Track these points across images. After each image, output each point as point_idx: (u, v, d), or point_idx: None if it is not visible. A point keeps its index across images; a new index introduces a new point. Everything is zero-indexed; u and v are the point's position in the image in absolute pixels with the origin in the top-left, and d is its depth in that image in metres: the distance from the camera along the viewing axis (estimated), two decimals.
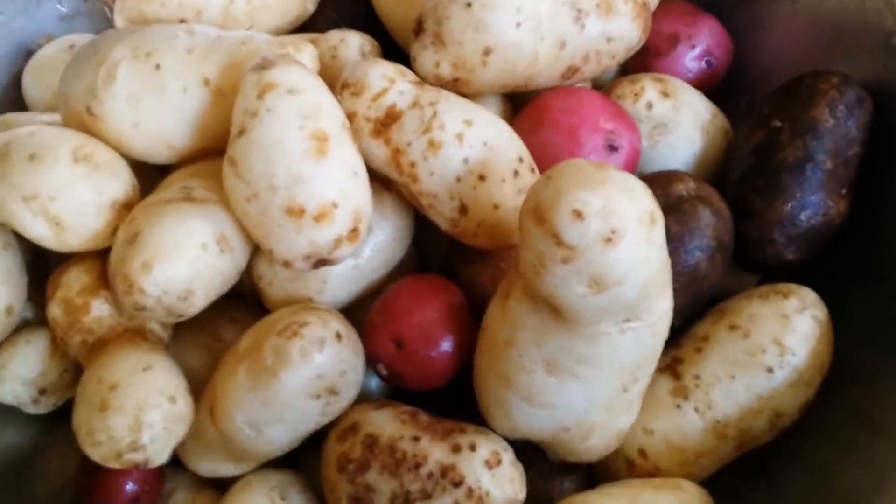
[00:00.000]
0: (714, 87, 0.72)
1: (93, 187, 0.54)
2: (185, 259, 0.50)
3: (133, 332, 0.56)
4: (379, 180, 0.57)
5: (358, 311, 0.59)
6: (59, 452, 0.61)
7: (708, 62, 0.71)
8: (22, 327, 0.60)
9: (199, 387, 0.58)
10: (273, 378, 0.50)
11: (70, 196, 0.53)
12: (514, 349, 0.48)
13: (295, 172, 0.49)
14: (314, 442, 0.56)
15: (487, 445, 0.51)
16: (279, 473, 0.58)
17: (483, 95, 0.62)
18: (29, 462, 0.61)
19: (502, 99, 0.64)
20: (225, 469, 0.57)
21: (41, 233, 0.54)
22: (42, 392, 0.59)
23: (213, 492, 0.60)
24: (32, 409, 0.60)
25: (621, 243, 0.41)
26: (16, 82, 0.74)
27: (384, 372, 0.56)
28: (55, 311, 0.56)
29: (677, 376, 0.57)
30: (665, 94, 0.65)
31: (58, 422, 0.61)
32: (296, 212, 0.50)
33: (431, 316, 0.55)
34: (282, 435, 0.53)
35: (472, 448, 0.51)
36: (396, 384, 0.57)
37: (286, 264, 0.52)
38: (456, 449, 0.50)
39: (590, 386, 0.49)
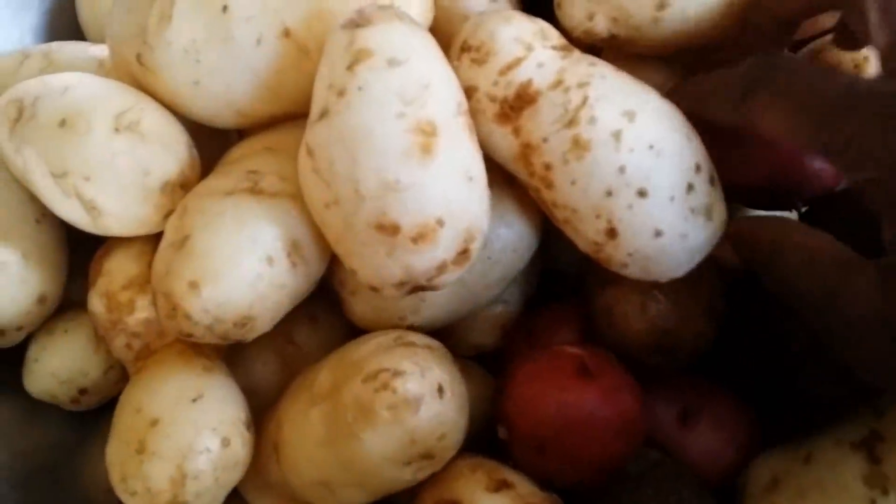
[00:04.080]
0: None
1: (137, 165, 0.42)
2: (245, 278, 0.39)
3: (185, 343, 0.45)
4: (499, 171, 0.44)
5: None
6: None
7: None
8: (63, 311, 0.50)
9: (265, 399, 0.48)
10: (353, 439, 0.39)
11: (108, 176, 0.42)
12: None
13: (389, 177, 0.36)
14: None
15: None
16: None
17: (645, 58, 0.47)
18: (70, 464, 0.52)
19: (666, 63, 0.49)
20: None
21: (75, 216, 0.43)
22: (83, 392, 0.50)
23: None
24: (72, 408, 0.51)
25: None
26: None
27: (504, 437, 0.44)
28: (96, 304, 0.46)
29: (876, 459, 0.43)
30: None
31: (105, 416, 0.51)
32: (387, 229, 0.37)
33: (587, 420, 0.42)
34: (360, 498, 0.42)
35: None
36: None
37: (373, 289, 0.40)
38: None
39: None
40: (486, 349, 0.52)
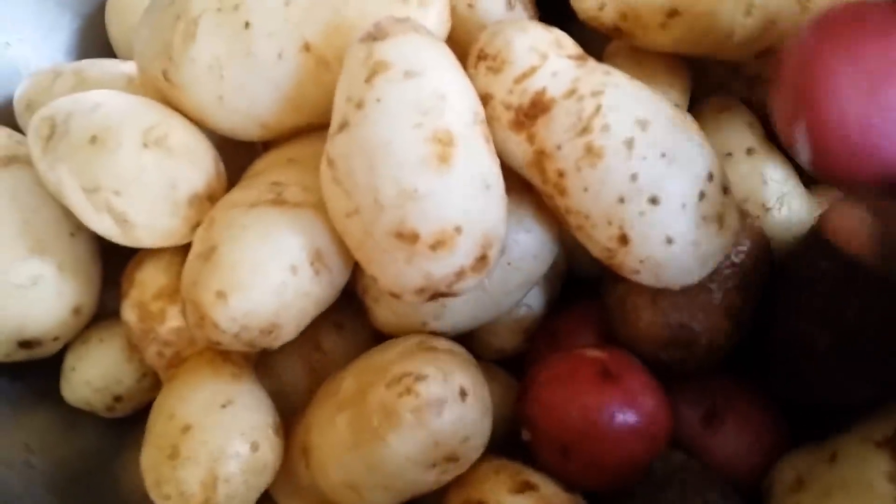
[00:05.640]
0: None
1: (165, 179, 0.43)
2: (270, 287, 0.40)
3: (215, 350, 0.46)
4: (517, 178, 0.44)
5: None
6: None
7: None
8: (98, 320, 0.52)
9: (294, 404, 0.49)
10: (379, 442, 0.40)
11: (138, 190, 0.43)
12: None
13: (407, 186, 0.37)
14: None
15: None
16: None
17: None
18: (107, 470, 0.53)
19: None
20: None
21: (107, 229, 0.45)
22: (118, 399, 0.51)
23: None
24: (108, 415, 0.53)
25: None
26: (101, 12, 0.63)
27: (527, 439, 0.45)
28: (129, 314, 0.48)
29: None
30: None
31: (140, 423, 0.53)
32: (407, 237, 0.38)
33: (609, 423, 0.43)
34: (386, 500, 0.43)
35: None
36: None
37: (393, 296, 0.41)
38: None
39: None
40: (509, 352, 0.52)
